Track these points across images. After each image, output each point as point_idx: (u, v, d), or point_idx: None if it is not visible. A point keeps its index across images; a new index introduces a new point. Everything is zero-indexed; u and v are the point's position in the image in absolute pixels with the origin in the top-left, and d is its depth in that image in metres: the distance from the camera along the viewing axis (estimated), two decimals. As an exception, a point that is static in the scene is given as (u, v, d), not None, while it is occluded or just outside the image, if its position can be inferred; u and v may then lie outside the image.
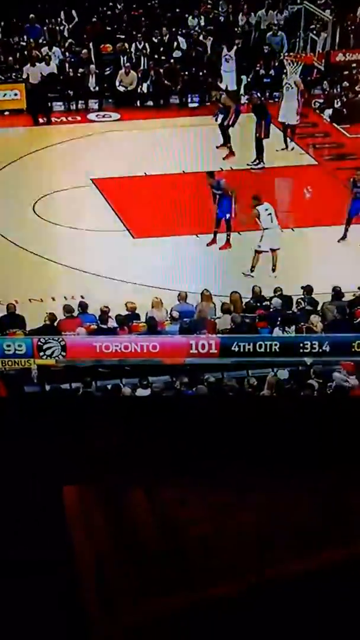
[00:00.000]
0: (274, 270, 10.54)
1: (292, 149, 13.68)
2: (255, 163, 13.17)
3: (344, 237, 11.25)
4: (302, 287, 9.60)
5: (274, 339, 8.57)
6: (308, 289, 9.59)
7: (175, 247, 11.18)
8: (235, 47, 15.36)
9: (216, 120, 13.56)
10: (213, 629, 2.27)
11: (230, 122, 13.33)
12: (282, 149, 13.64)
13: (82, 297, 9.71)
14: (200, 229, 11.57)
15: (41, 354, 8.24)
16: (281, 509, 2.57)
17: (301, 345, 8.58)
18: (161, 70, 15.76)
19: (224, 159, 13.21)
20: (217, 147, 13.42)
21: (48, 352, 8.25)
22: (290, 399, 7.21)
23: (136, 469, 2.63)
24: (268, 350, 8.41)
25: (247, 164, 13.16)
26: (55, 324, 9.07)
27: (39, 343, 8.25)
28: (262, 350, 8.39)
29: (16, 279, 10.27)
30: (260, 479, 2.66)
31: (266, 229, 10.52)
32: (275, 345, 8.46)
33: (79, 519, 2.45)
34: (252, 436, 2.77)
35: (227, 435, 2.76)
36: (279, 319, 9.09)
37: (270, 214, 10.59)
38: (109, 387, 8.50)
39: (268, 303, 9.49)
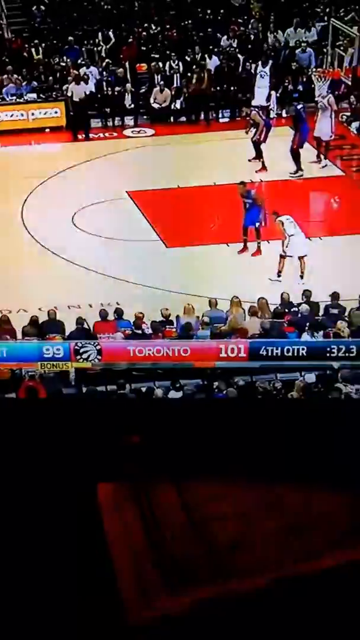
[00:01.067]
0: (302, 277, 10.60)
1: (325, 165, 13.65)
2: (297, 174, 13.20)
3: None
4: (330, 295, 9.62)
5: (302, 343, 8.59)
6: (335, 296, 9.60)
7: (206, 256, 11.31)
8: (270, 63, 15.41)
9: (247, 133, 13.69)
10: (244, 620, 2.33)
11: (262, 138, 13.35)
12: (314, 162, 13.66)
13: (117, 303, 9.89)
14: (230, 238, 11.69)
15: (78, 357, 8.40)
16: (310, 508, 2.62)
17: (328, 349, 8.59)
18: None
19: (256, 172, 13.28)
20: (249, 160, 13.49)
21: (84, 356, 8.40)
22: (319, 402, 7.21)
23: (168, 467, 2.73)
24: (296, 354, 8.43)
25: (289, 174, 13.18)
26: (91, 327, 9.28)
27: (76, 347, 8.43)
28: (290, 354, 8.39)
29: (55, 286, 10.50)
30: (289, 479, 2.72)
31: (291, 235, 10.59)
32: (303, 349, 8.47)
33: (114, 514, 2.56)
34: (280, 437, 2.83)
35: (257, 436, 2.84)
36: (307, 324, 9.12)
37: (292, 222, 10.65)
38: (143, 389, 8.64)
39: (296, 309, 9.53)
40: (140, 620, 2.25)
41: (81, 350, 8.38)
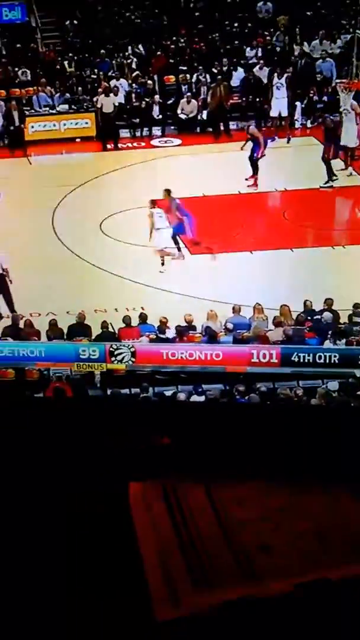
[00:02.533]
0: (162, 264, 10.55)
1: (350, 174, 13.40)
2: (327, 184, 12.91)
3: None
4: (353, 306, 9.40)
5: (334, 350, 8.38)
6: (358, 306, 9.39)
7: (230, 263, 11.18)
8: (285, 75, 15.21)
9: (242, 149, 13.10)
10: (270, 623, 2.27)
11: (260, 155, 12.85)
12: (342, 169, 13.43)
13: (142, 308, 9.83)
14: (254, 246, 11.54)
15: (112, 359, 8.35)
16: (337, 514, 2.55)
17: None
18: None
19: (248, 186, 12.86)
20: (245, 179, 12.94)
21: (119, 358, 8.35)
22: (343, 408, 7.05)
23: (196, 469, 2.67)
24: (327, 361, 8.21)
25: (320, 186, 12.91)
26: (116, 332, 9.24)
27: (111, 349, 8.37)
28: (322, 361, 8.19)
29: (83, 291, 10.48)
30: (315, 484, 2.65)
31: (158, 229, 10.65)
32: (335, 356, 8.26)
33: (144, 513, 2.52)
34: (306, 442, 2.76)
35: (282, 441, 2.77)
36: (330, 332, 8.94)
37: (161, 216, 10.79)
38: (167, 394, 8.56)
39: (319, 317, 9.35)
40: (168, 618, 2.20)
41: (116, 352, 8.34)
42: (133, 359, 8.36)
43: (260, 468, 2.65)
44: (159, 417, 3.01)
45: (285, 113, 15.19)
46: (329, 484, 2.63)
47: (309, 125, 16.06)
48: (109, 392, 8.73)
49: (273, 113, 15.08)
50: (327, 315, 9.30)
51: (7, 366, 8.60)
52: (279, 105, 15.06)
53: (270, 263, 11.13)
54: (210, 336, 9.01)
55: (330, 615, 2.26)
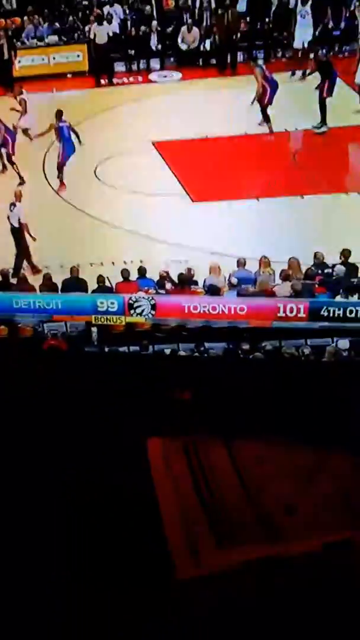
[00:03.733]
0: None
1: None
2: (319, 125, 12.64)
3: None
4: None
5: None
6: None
7: (234, 211, 11.03)
8: (310, 2, 14.57)
9: (252, 104, 12.53)
10: (293, 581, 2.38)
11: (267, 101, 12.42)
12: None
13: (141, 261, 9.77)
14: (261, 193, 11.36)
15: (131, 312, 8.39)
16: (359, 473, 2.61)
17: None
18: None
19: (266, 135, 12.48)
20: (259, 124, 12.60)
21: (138, 310, 8.40)
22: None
23: (216, 424, 2.75)
24: (359, 315, 8.17)
25: (312, 126, 12.68)
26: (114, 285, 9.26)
27: (130, 301, 8.42)
28: (353, 315, 8.14)
29: (77, 242, 10.40)
30: (339, 444, 2.71)
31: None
32: None
33: (164, 469, 2.59)
34: (330, 403, 2.82)
35: (306, 399, 2.83)
36: (341, 287, 8.87)
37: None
38: (167, 351, 8.60)
39: (330, 270, 9.27)
40: (188, 576, 2.30)
41: (135, 305, 8.37)
42: (153, 312, 8.38)
43: (282, 426, 2.72)
44: (180, 371, 3.07)
45: (307, 43, 14.56)
46: (354, 445, 2.70)
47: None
48: (106, 350, 8.81)
49: (296, 44, 14.59)
50: (339, 268, 9.21)
51: (25, 318, 8.67)
52: (303, 35, 14.55)
53: (278, 211, 10.99)
54: (213, 292, 8.98)
55: (353, 575, 2.34)
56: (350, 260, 9.31)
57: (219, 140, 12.67)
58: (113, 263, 9.99)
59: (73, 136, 11.48)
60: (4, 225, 10.06)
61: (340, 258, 9.32)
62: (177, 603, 2.27)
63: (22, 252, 9.98)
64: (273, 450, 2.63)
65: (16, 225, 9.94)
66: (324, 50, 13.23)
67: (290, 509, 2.49)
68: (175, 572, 2.31)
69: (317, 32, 15.36)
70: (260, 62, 14.11)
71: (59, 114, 11.51)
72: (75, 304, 8.76)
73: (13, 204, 10.05)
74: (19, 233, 9.94)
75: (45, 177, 11.86)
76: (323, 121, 12.55)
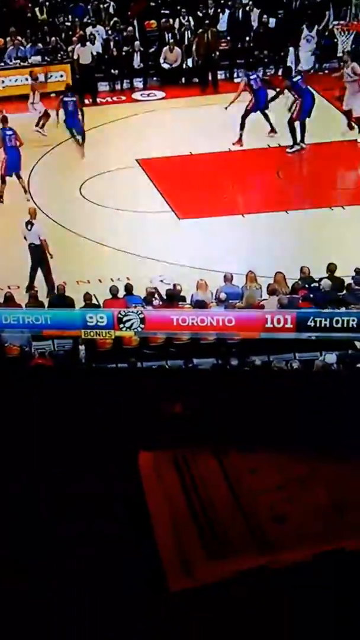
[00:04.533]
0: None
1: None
2: (293, 148, 12.66)
3: None
4: (356, 270, 9.50)
5: (354, 314, 8.56)
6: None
7: (221, 228, 11.24)
8: (316, 27, 14.89)
9: (226, 109, 12.95)
10: (283, 592, 2.42)
11: (250, 108, 12.78)
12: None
13: (128, 278, 9.93)
14: (246, 209, 11.59)
15: (121, 325, 8.56)
16: (353, 483, 2.67)
17: None
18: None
19: (233, 144, 12.85)
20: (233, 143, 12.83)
21: (128, 324, 8.58)
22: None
23: (208, 438, 2.83)
24: (345, 325, 8.38)
25: (287, 151, 12.77)
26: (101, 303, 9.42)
27: (119, 315, 8.59)
28: (340, 325, 8.35)
29: (64, 261, 10.54)
30: (332, 453, 2.78)
31: None
32: (354, 321, 8.43)
33: (155, 482, 2.65)
34: (322, 411, 2.90)
35: (298, 408, 2.91)
36: (327, 300, 9.08)
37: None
38: (155, 367, 8.74)
39: (317, 284, 9.47)
40: (180, 588, 2.36)
41: (124, 319, 8.54)
42: (142, 326, 8.57)
43: (274, 437, 2.77)
44: (167, 385, 3.13)
45: (308, 67, 14.79)
46: (346, 453, 2.75)
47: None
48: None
49: (304, 67, 14.73)
50: (325, 282, 9.42)
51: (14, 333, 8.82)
52: (307, 60, 14.82)
53: (264, 227, 11.20)
54: (201, 308, 9.16)
55: (346, 586, 2.39)
56: (337, 273, 9.55)
57: (203, 157, 12.93)
58: (100, 280, 10.13)
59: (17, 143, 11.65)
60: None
61: (327, 272, 9.55)
62: (170, 615, 2.34)
63: (44, 269, 10.00)
64: (264, 460, 2.70)
65: (37, 242, 10.01)
66: (296, 78, 13.04)
67: (280, 519, 2.58)
68: (168, 584, 2.39)
69: (297, 50, 15.76)
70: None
71: (3, 120, 11.72)
72: (65, 319, 8.90)
73: (30, 222, 10.14)
74: (39, 251, 10.00)
75: (30, 195, 12.02)
76: (294, 142, 12.61)
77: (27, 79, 15.18)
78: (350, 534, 2.52)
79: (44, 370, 8.16)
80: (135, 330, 8.58)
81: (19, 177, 11.79)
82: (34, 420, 2.83)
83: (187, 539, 2.46)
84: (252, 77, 13.28)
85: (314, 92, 13.26)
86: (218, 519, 2.53)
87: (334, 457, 2.70)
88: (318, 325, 8.35)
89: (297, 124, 12.66)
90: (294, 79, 13.06)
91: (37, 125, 13.32)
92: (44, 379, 3.48)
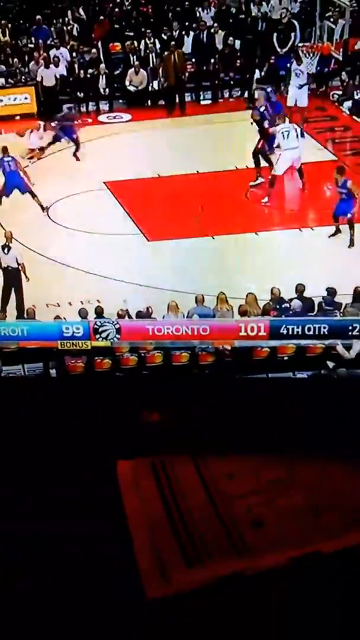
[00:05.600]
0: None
1: (320, 149, 13.53)
2: (256, 181, 12.83)
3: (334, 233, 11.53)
4: (326, 289, 9.89)
5: (323, 322, 9.00)
6: (331, 291, 9.83)
7: (190, 249, 11.58)
8: (306, 60, 14.78)
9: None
10: (261, 597, 2.56)
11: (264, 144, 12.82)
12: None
13: (98, 301, 10.17)
14: (216, 231, 11.98)
15: (97, 336, 9.00)
16: (328, 487, 2.83)
17: (350, 327, 8.92)
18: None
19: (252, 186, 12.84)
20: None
21: (104, 335, 9.02)
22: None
23: (184, 445, 2.95)
24: (317, 332, 8.85)
25: (250, 184, 12.94)
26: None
27: (95, 326, 9.05)
28: (312, 333, 8.82)
29: (32, 284, 10.75)
30: (308, 457, 2.92)
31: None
32: (324, 328, 8.88)
33: (133, 490, 2.82)
34: (298, 416, 3.04)
35: (275, 414, 3.06)
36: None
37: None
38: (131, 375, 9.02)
39: (287, 305, 9.82)
40: (158, 595, 2.48)
41: (100, 330, 8.98)
42: (118, 336, 9.02)
43: (251, 442, 2.95)
44: (153, 392, 3.30)
45: (303, 104, 14.47)
46: (321, 458, 2.95)
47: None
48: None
49: (289, 103, 14.44)
50: (295, 303, 9.80)
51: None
52: (296, 94, 14.43)
53: (234, 248, 11.59)
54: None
55: (323, 587, 2.58)
56: (310, 294, 9.94)
57: (171, 178, 13.34)
58: (70, 304, 10.36)
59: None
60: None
61: (296, 293, 9.93)
62: (148, 622, 2.47)
63: (17, 292, 10.32)
64: (242, 465, 2.87)
65: (14, 265, 10.30)
66: (259, 110, 13.02)
67: (257, 523, 2.73)
68: (145, 591, 2.52)
69: (262, 72, 16.37)
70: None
71: (4, 150, 12.25)
72: (41, 331, 9.32)
73: (6, 246, 10.43)
74: (17, 274, 10.31)
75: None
76: (258, 173, 12.69)
77: (-10, 102, 15.48)
78: (326, 536, 2.72)
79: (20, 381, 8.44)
80: (111, 340, 8.89)
81: (33, 195, 12.11)
82: (17, 429, 3.01)
83: (165, 546, 2.64)
84: (269, 89, 13.49)
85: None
86: (196, 526, 2.71)
87: (310, 460, 2.91)
88: (291, 332, 8.80)
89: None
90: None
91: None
92: (21, 390, 3.63)
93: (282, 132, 12.38)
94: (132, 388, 3.79)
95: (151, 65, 16.34)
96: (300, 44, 16.27)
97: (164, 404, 3.16)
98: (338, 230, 11.62)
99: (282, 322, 9.10)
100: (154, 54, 16.41)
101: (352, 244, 11.46)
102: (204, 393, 3.48)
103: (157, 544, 2.70)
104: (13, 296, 10.47)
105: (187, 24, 16.87)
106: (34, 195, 12.23)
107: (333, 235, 11.65)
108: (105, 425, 3.02)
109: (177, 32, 16.68)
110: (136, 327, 9.20)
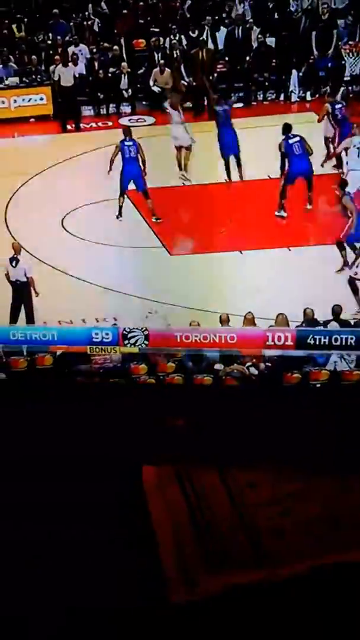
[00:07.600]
0: None
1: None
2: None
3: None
4: None
5: (349, 332, 9.72)
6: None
7: (216, 265, 11.90)
8: (349, 61, 15.26)
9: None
10: (282, 604, 2.93)
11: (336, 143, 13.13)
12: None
13: (115, 319, 10.63)
14: (244, 245, 12.29)
15: (126, 342, 9.81)
16: (350, 498, 3.21)
17: None
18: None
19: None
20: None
21: (132, 341, 9.82)
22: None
23: (210, 453, 3.35)
24: (344, 343, 9.61)
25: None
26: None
27: (124, 332, 9.88)
28: (338, 343, 9.59)
29: (44, 299, 11.09)
30: (327, 469, 3.31)
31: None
32: (352, 339, 9.59)
33: (158, 496, 3.25)
34: (318, 429, 3.42)
35: (295, 426, 3.44)
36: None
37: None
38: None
39: (322, 328, 10.15)
40: (182, 600, 2.88)
41: (129, 336, 9.79)
42: (146, 342, 9.79)
43: (273, 453, 3.33)
44: (177, 401, 3.68)
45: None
46: (340, 470, 3.33)
47: (308, 98, 17.02)
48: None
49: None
50: (333, 325, 10.12)
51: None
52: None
53: (264, 264, 11.84)
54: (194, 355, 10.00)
55: (341, 598, 2.95)
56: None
57: (197, 188, 13.70)
58: (84, 320, 10.79)
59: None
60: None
61: (332, 314, 10.25)
62: (172, 627, 2.86)
63: (27, 307, 10.90)
64: (264, 475, 3.27)
65: (23, 279, 10.90)
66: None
67: (279, 533, 3.14)
68: (169, 596, 2.92)
69: (301, 72, 16.85)
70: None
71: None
72: (71, 335, 10.15)
73: (15, 259, 10.96)
74: (26, 288, 10.90)
75: (8, 228, 12.77)
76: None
77: (2, 102, 16.17)
78: (344, 548, 3.13)
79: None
80: (139, 346, 9.60)
81: (146, 196, 12.48)
82: (40, 433, 3.46)
83: (189, 552, 3.06)
84: (337, 106, 13.56)
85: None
86: (219, 533, 3.13)
87: (329, 472, 3.32)
88: (317, 342, 9.61)
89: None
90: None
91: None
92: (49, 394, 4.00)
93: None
94: (158, 395, 4.22)
95: (176, 64, 16.63)
96: (342, 43, 16.74)
97: (187, 411, 3.59)
98: None
99: (309, 332, 9.78)
100: (177, 50, 16.59)
101: None
102: (226, 401, 3.93)
103: (181, 550, 3.12)
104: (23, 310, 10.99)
105: (216, 17, 17.18)
106: (147, 196, 12.43)
107: None
108: (130, 430, 3.47)
109: (208, 28, 16.98)
110: (165, 334, 9.99)
